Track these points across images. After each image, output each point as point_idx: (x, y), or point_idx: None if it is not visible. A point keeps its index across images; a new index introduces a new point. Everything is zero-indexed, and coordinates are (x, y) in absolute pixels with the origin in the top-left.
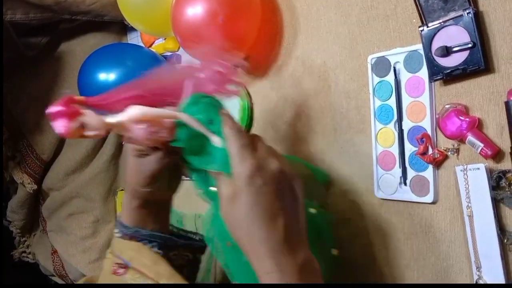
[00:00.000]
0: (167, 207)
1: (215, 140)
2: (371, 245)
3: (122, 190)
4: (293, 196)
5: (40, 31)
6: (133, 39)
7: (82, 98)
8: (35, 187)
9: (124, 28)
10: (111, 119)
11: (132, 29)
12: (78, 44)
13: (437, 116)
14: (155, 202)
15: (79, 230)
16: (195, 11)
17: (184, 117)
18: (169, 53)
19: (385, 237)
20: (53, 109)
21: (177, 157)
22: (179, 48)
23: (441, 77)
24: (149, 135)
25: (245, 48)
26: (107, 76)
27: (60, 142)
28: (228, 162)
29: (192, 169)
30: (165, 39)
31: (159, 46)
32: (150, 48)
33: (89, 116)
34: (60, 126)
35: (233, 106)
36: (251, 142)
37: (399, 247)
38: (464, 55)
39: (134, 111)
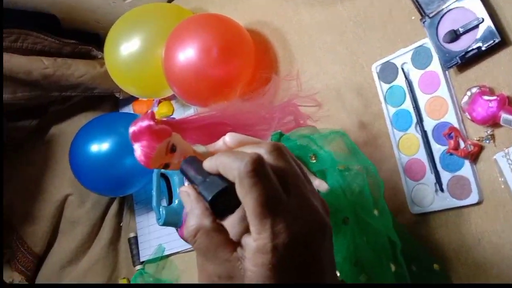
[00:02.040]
0: None
1: (318, 185)
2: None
3: (124, 278)
4: None
5: (29, 114)
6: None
7: (160, 118)
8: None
9: (116, 103)
10: (199, 148)
11: (124, 103)
12: (69, 125)
13: (462, 105)
14: None
15: None
16: (186, 54)
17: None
18: (164, 119)
19: (431, 258)
20: (139, 124)
21: None
22: (173, 111)
23: (456, 62)
24: None
25: (240, 87)
26: (99, 147)
27: (54, 231)
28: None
29: None
30: (158, 105)
31: None
32: None
33: (179, 139)
34: (145, 148)
35: None
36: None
37: (451, 266)
38: (475, 34)
39: (231, 138)
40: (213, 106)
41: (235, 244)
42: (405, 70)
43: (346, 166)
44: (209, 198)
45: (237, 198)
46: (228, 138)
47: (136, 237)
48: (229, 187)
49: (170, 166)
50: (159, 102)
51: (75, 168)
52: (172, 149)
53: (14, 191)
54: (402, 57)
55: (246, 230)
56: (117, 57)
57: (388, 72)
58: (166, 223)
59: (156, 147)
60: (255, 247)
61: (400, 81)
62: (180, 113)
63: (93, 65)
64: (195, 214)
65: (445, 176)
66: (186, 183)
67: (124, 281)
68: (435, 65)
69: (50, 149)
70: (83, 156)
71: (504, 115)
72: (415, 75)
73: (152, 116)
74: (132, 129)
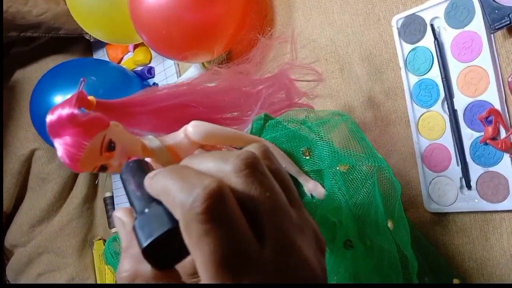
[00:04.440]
0: None
1: (312, 188)
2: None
3: (100, 239)
4: None
5: None
6: (100, 58)
7: (95, 99)
8: None
9: (88, 46)
10: (152, 142)
11: (98, 46)
12: (36, 70)
13: (508, 81)
14: None
15: None
16: None
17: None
18: (140, 67)
19: (452, 271)
20: (59, 112)
21: None
22: (151, 59)
23: (507, 22)
24: None
25: (225, 37)
26: (64, 98)
27: (22, 188)
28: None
29: None
30: (133, 51)
31: (128, 61)
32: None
33: (120, 131)
34: (69, 146)
35: None
36: None
37: (471, 281)
38: None
39: (195, 130)
40: (179, 81)
41: None
42: (436, 27)
43: (349, 166)
44: (144, 245)
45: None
46: (192, 129)
47: (112, 197)
48: (176, 228)
49: (109, 169)
50: (135, 47)
51: (36, 122)
52: (110, 146)
53: None
54: (433, 10)
55: None
56: None
57: (413, 28)
58: None
59: (85, 145)
60: None
61: (428, 41)
62: (158, 61)
63: (56, 1)
64: (129, 254)
65: (475, 170)
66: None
67: (100, 243)
68: (477, 24)
69: (13, 96)
70: (45, 108)
71: None
72: (449, 35)
73: (79, 101)
74: (49, 119)
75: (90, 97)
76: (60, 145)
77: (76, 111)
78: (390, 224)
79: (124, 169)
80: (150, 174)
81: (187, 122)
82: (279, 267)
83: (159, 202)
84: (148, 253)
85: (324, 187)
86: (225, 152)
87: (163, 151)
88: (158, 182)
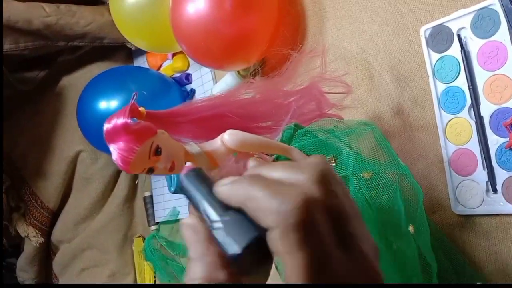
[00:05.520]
0: None
1: None
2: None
3: (139, 237)
4: None
5: (36, 64)
6: (140, 65)
7: (145, 110)
8: (42, 240)
9: (129, 54)
10: (192, 148)
11: (138, 54)
12: (81, 76)
13: None
14: None
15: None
16: (196, 6)
17: (297, 154)
18: (178, 74)
19: (477, 275)
20: (113, 122)
21: None
22: (188, 66)
23: None
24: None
25: (260, 47)
26: (108, 104)
27: (67, 187)
28: None
29: None
30: (172, 58)
31: (167, 68)
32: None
33: (166, 138)
34: (123, 151)
35: None
36: None
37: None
38: None
39: (231, 137)
40: (217, 94)
41: None
42: (463, 37)
43: (373, 173)
44: (239, 250)
45: (268, 251)
46: (228, 137)
47: (151, 196)
48: (262, 237)
49: (155, 171)
50: (174, 55)
51: (83, 126)
52: (157, 151)
53: (27, 143)
54: (460, 21)
55: None
56: (122, 6)
57: (441, 38)
58: (177, 191)
59: (136, 150)
60: None
61: (455, 51)
62: (196, 68)
63: (101, 12)
64: (204, 262)
65: (501, 174)
66: (190, 209)
67: (140, 240)
68: (503, 35)
69: (60, 102)
70: (91, 113)
71: None
72: (475, 45)
73: (132, 112)
74: (106, 127)
75: (141, 108)
76: (115, 150)
77: (129, 120)
78: (411, 229)
79: (187, 178)
80: (224, 182)
81: (224, 131)
82: (354, 272)
83: (235, 210)
84: (237, 259)
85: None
86: (292, 162)
87: (202, 156)
88: (239, 190)
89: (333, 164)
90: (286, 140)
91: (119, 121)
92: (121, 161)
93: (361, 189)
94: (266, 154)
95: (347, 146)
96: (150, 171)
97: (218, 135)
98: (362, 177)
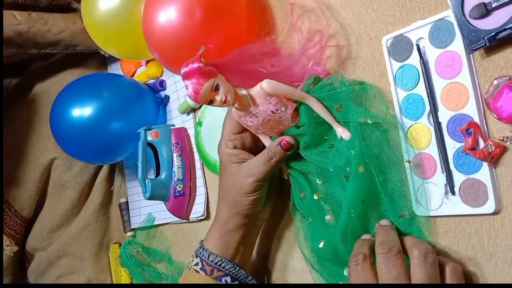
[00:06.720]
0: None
1: (341, 132)
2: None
3: (115, 243)
4: None
5: (8, 71)
6: (114, 71)
7: (205, 60)
8: (15, 248)
9: (103, 60)
10: (240, 90)
11: (112, 60)
12: (54, 83)
13: (485, 97)
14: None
15: None
16: (167, 14)
17: (313, 101)
18: (152, 80)
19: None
20: (190, 65)
21: (281, 160)
22: (162, 73)
23: (483, 44)
24: (275, 115)
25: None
26: (81, 112)
27: (41, 195)
28: (350, 160)
29: (294, 172)
30: (146, 65)
31: (141, 74)
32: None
33: (223, 79)
34: (195, 85)
35: None
36: None
37: None
38: (510, 11)
39: (267, 85)
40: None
41: None
42: (421, 47)
43: (367, 119)
44: None
45: None
46: (265, 84)
47: (127, 203)
48: None
49: (214, 102)
50: (148, 61)
51: (56, 133)
52: (217, 87)
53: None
54: (419, 31)
55: None
56: (94, 13)
57: (401, 48)
58: (152, 197)
59: (203, 84)
60: None
61: (414, 60)
62: (169, 74)
63: (73, 20)
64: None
65: (458, 177)
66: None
67: (116, 246)
68: (457, 45)
69: (33, 109)
70: (64, 121)
71: None
72: (433, 54)
73: (198, 59)
74: (184, 69)
75: (202, 59)
76: (189, 84)
77: (201, 64)
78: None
79: None
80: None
81: (261, 80)
82: None
83: None
84: None
85: (349, 132)
86: (291, 89)
87: (246, 97)
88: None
89: (339, 111)
90: (306, 89)
91: (194, 64)
92: (193, 92)
93: (356, 131)
94: (290, 100)
95: (351, 98)
96: (211, 102)
97: (258, 82)
98: (359, 122)
